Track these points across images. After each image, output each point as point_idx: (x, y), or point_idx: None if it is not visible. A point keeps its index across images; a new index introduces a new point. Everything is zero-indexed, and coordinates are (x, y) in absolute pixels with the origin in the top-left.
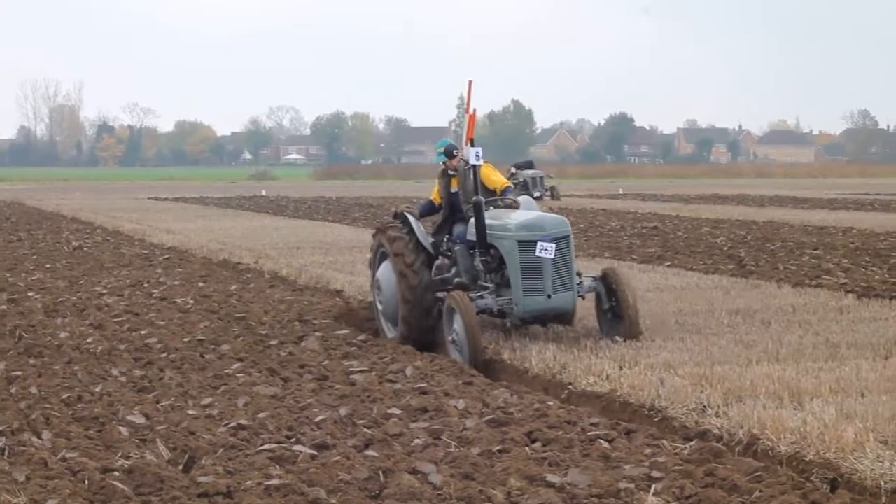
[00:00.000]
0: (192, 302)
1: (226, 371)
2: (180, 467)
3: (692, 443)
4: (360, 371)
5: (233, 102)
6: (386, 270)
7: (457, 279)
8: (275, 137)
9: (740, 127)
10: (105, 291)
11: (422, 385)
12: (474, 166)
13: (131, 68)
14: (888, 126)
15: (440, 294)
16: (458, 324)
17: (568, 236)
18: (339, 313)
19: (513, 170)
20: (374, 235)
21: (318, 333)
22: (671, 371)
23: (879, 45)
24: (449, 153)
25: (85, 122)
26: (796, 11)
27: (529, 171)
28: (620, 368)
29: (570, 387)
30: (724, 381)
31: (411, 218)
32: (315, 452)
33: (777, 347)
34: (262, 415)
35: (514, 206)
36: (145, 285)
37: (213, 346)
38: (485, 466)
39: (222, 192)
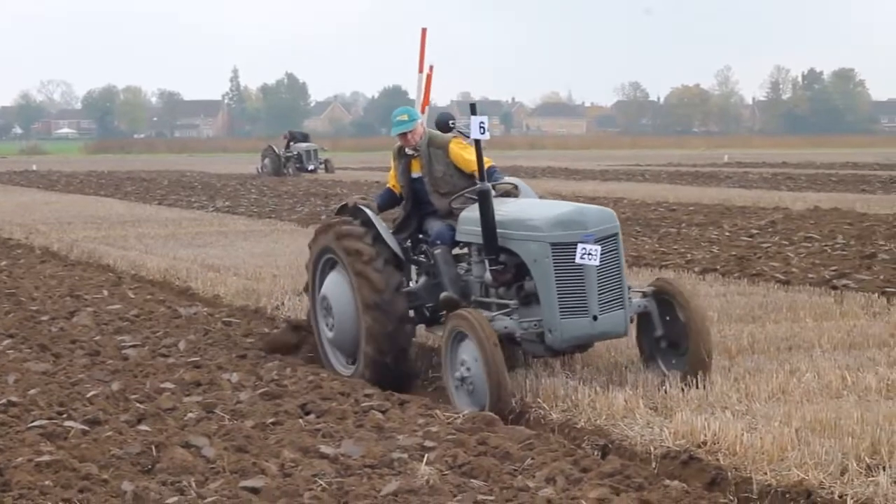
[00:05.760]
0: None
1: None
2: None
3: (465, 412)
4: (133, 346)
5: (2, 76)
6: (335, 283)
7: (443, 293)
8: (46, 112)
9: (513, 100)
10: None
11: (195, 359)
12: (477, 141)
13: None
14: (658, 98)
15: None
16: (469, 354)
17: (616, 234)
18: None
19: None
20: (311, 244)
21: (89, 308)
22: None
23: (648, 18)
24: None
25: None
26: None
27: (304, 144)
28: None
29: None
30: None
31: (369, 212)
32: (87, 428)
33: None
34: (32, 391)
35: (513, 192)
36: None
37: None
38: (258, 439)
39: None
